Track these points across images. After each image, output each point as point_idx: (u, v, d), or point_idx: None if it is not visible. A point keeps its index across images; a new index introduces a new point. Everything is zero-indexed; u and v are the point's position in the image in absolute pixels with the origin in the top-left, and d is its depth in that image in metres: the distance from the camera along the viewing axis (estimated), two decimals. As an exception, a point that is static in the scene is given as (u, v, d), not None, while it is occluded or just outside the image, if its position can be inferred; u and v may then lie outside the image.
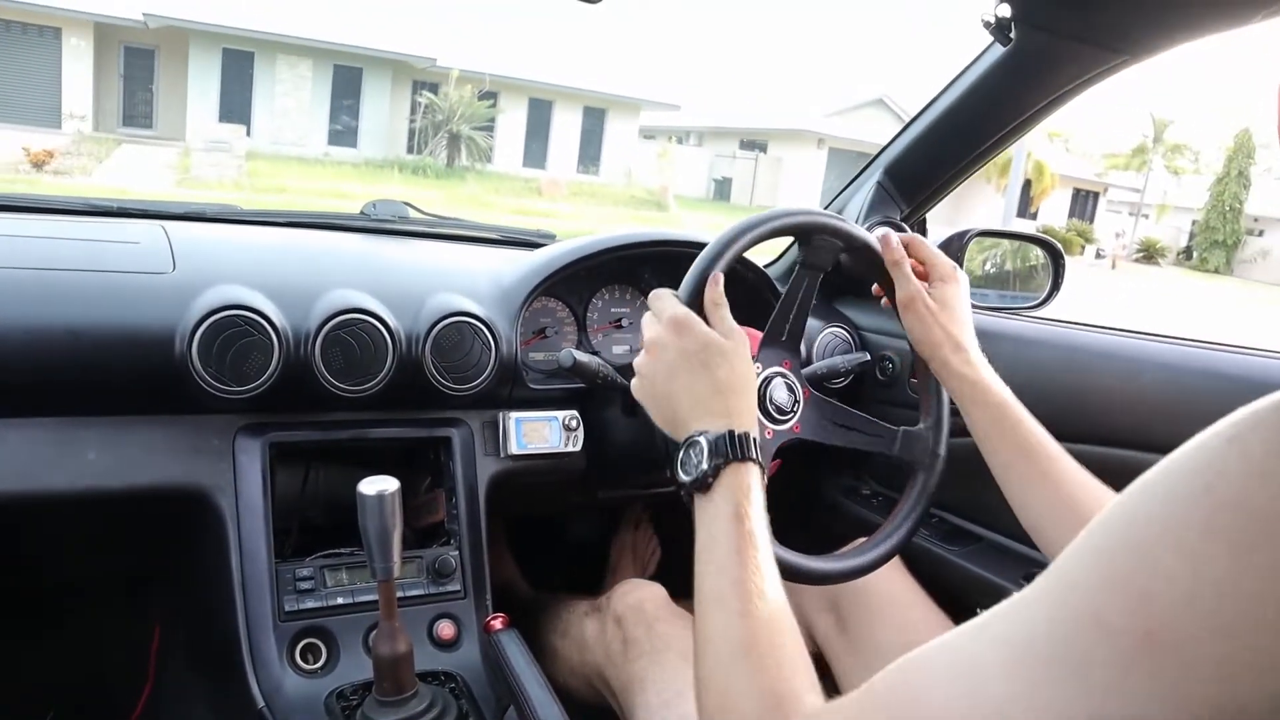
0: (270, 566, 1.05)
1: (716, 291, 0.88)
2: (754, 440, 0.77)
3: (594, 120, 23.43)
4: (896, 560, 1.08)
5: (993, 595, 1.22)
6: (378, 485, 0.84)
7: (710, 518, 0.74)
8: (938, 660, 0.50)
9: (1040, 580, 0.46)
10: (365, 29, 19.38)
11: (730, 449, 0.75)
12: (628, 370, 1.22)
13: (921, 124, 1.42)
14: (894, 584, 1.15)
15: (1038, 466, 0.88)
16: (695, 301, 0.88)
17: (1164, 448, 1.16)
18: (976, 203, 26.79)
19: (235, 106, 18.76)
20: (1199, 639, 0.37)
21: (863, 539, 1.09)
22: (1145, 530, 0.41)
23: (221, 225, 1.34)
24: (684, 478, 0.77)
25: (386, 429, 1.17)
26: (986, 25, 1.15)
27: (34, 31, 17.67)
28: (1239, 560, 0.36)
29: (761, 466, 0.77)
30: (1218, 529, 0.37)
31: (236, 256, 1.18)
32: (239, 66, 18.98)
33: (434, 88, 20.52)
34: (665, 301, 0.87)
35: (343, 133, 20.28)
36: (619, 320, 1.43)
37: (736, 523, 0.72)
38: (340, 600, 1.08)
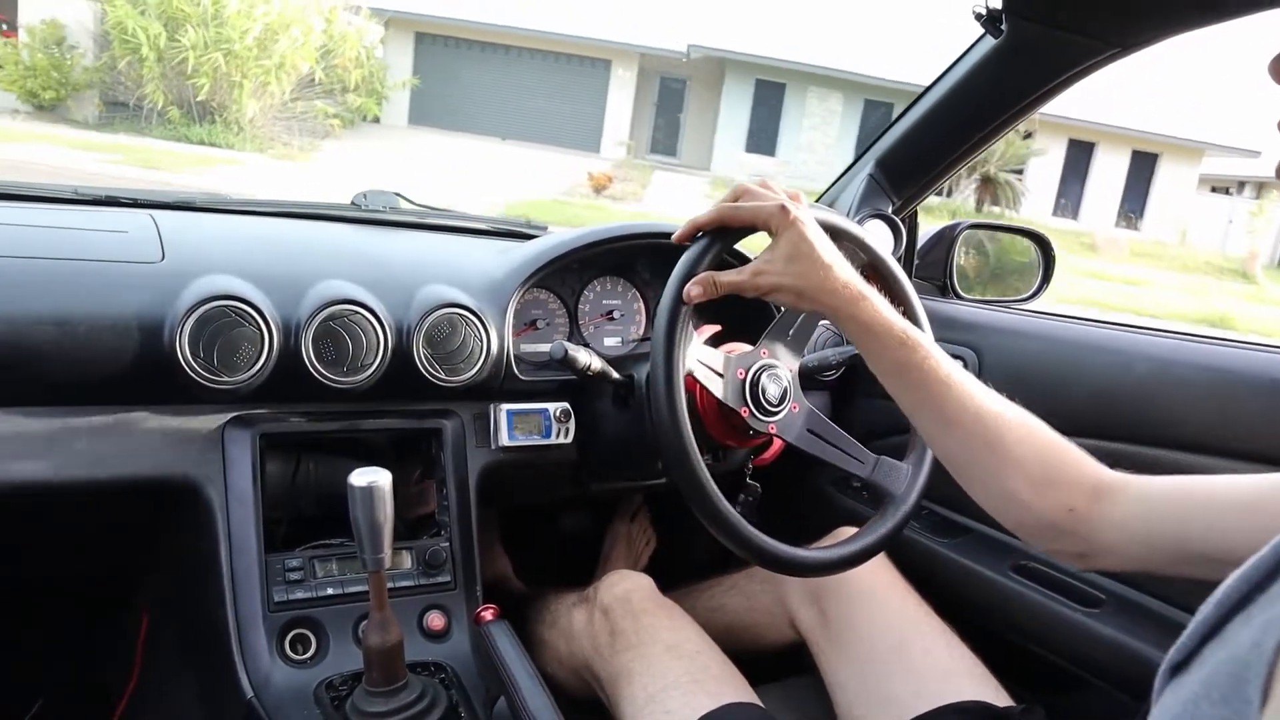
0: (260, 557, 1.05)
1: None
2: None
3: (1143, 165, 19.71)
4: (882, 552, 1.08)
5: (982, 587, 1.24)
6: (369, 477, 0.84)
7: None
8: None
9: None
10: (899, 63, 17.45)
11: None
12: (619, 362, 1.23)
13: (913, 116, 1.42)
14: (877, 575, 1.15)
15: (947, 404, 0.81)
16: (671, 372, 0.93)
17: (1156, 440, 1.18)
18: None
19: (762, 137, 18.92)
20: None
21: (850, 529, 1.09)
22: None
23: (211, 215, 1.33)
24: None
25: (377, 420, 1.17)
26: (978, 17, 1.15)
27: (588, 64, 19.23)
28: None
29: None
30: None
31: (226, 246, 1.17)
32: (770, 97, 19.03)
33: None
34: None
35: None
36: (610, 312, 1.43)
37: None
38: (330, 591, 1.08)
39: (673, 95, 20.26)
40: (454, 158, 14.33)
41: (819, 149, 18.71)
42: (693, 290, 0.92)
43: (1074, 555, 0.79)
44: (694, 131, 20.06)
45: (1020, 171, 17.93)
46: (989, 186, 17.53)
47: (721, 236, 0.93)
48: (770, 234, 0.88)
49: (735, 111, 19.02)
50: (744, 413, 1.02)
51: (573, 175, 14.06)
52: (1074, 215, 19.30)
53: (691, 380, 1.05)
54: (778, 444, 1.08)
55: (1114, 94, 17.05)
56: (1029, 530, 0.80)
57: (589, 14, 18.26)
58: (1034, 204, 18.44)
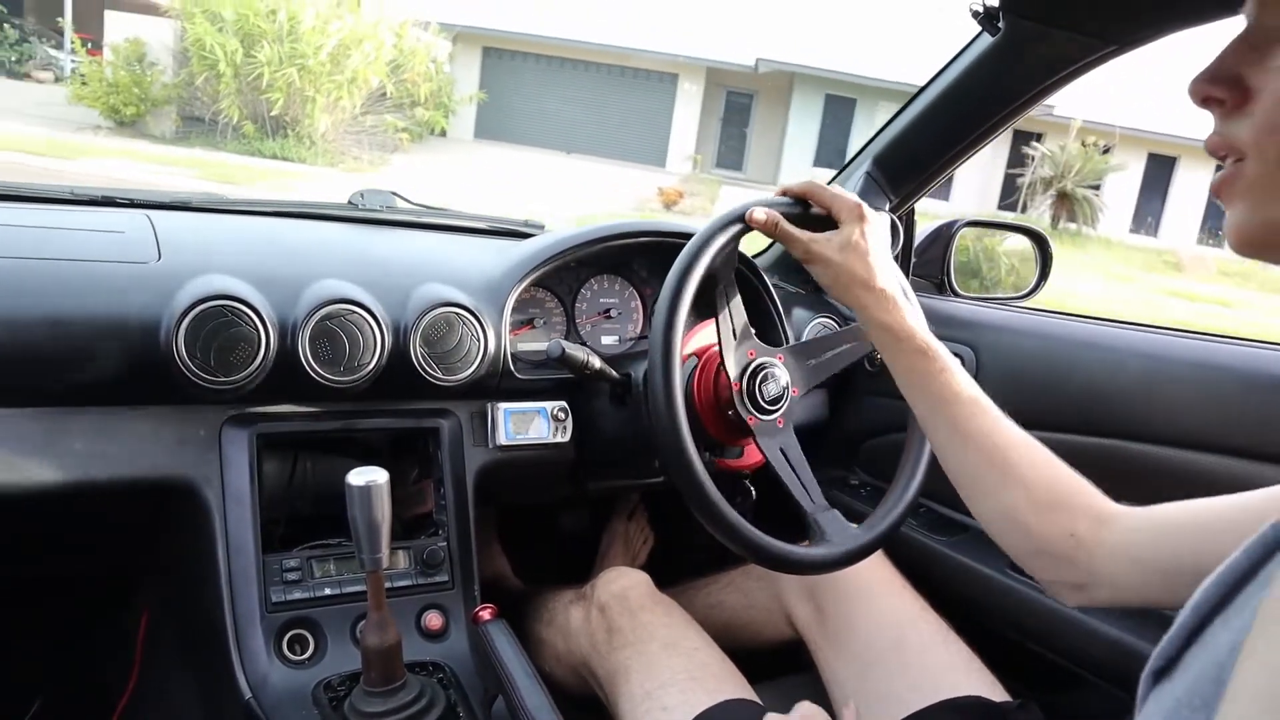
0: (257, 558, 1.05)
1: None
2: None
3: (1224, 180, 19.23)
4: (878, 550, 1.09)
5: (979, 584, 1.24)
6: (366, 476, 0.84)
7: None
8: None
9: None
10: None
11: None
12: (616, 361, 1.23)
13: (910, 114, 1.41)
14: (874, 572, 1.15)
15: (959, 416, 0.84)
16: (669, 368, 0.94)
17: (1150, 437, 1.18)
18: None
19: (831, 152, 18.55)
20: None
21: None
22: None
23: (207, 215, 1.33)
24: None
25: (374, 419, 1.17)
26: (975, 15, 1.15)
27: (655, 78, 19.27)
28: None
29: None
30: None
31: (223, 246, 1.17)
32: (840, 112, 18.77)
33: (1038, 137, 17.53)
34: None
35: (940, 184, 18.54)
36: (608, 310, 1.43)
37: None
38: (328, 591, 1.08)
39: (739, 109, 20.07)
40: (519, 171, 14.44)
41: (892, 160, 18.07)
42: (758, 213, 0.96)
43: (1072, 587, 0.79)
44: (761, 146, 19.91)
45: (1097, 187, 17.18)
46: (1065, 202, 16.85)
47: (800, 204, 0.97)
48: (839, 223, 0.93)
49: (804, 126, 18.76)
50: (735, 387, 1.02)
51: (639, 190, 13.98)
52: (1154, 232, 18.42)
53: (702, 351, 1.09)
54: (758, 456, 1.08)
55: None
56: (1029, 554, 0.81)
57: (656, 28, 18.21)
58: (1112, 220, 17.59)
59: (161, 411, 1.04)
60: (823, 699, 1.13)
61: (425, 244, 1.42)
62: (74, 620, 1.51)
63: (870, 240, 0.91)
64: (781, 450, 1.04)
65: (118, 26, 13.43)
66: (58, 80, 16.54)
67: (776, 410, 1.04)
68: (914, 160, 1.46)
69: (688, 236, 1.00)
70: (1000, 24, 1.15)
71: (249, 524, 1.05)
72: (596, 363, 1.16)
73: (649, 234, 1.33)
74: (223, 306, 0.99)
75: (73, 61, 15.20)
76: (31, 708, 1.44)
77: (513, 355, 1.22)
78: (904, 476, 1.09)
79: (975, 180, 18.28)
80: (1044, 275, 1.62)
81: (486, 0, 18.10)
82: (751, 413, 1.03)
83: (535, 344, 1.34)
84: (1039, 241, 1.64)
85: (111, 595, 1.45)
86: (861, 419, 1.52)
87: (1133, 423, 1.12)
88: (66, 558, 1.38)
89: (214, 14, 12.23)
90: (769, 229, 0.96)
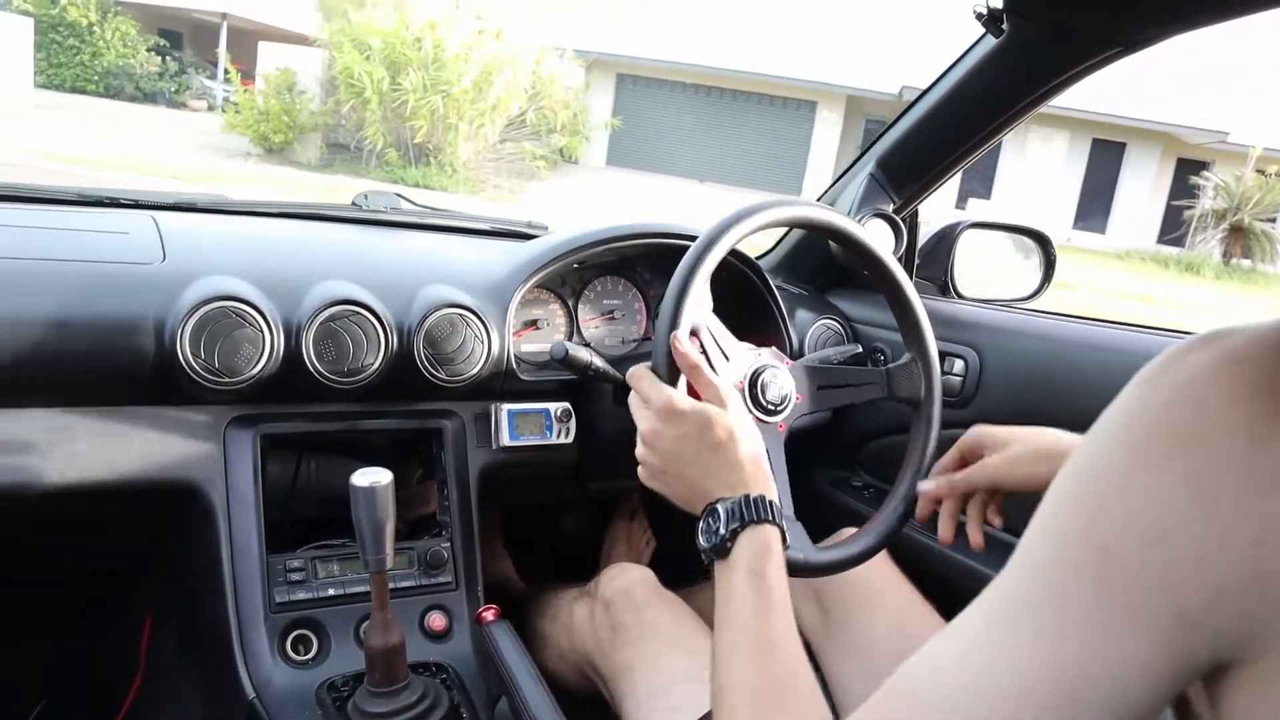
0: (261, 558, 1.05)
1: (685, 355, 0.87)
2: (772, 503, 0.78)
3: None
4: (882, 551, 1.08)
5: (982, 586, 1.23)
6: (370, 477, 0.84)
7: (728, 578, 0.75)
8: (935, 648, 0.52)
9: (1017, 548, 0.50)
10: (1134, 99, 15.56)
11: (746, 512, 0.76)
12: (619, 362, 1.23)
13: (914, 115, 1.42)
14: (879, 573, 1.15)
15: None
16: (672, 369, 0.89)
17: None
18: None
19: (976, 179, 17.61)
20: (1140, 554, 0.43)
21: (850, 530, 1.09)
22: (1090, 467, 0.47)
23: (212, 215, 1.33)
24: (703, 544, 0.78)
25: (378, 420, 1.17)
26: (979, 17, 1.15)
27: (792, 105, 18.96)
28: (1158, 476, 0.43)
29: (781, 528, 0.78)
30: (1140, 453, 0.44)
31: (227, 247, 1.17)
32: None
33: (1207, 166, 16.54)
34: (648, 387, 0.87)
35: (1092, 215, 17.45)
36: (611, 312, 1.43)
37: (754, 579, 0.73)
38: (331, 591, 1.08)
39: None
40: (655, 199, 14.35)
41: (1039, 190, 16.78)
42: (927, 488, 1.02)
43: None
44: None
45: (1273, 220, 15.73)
46: (1239, 237, 15.53)
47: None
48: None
49: (946, 153, 18.06)
50: (739, 385, 1.01)
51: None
52: (1335, 269, 16.53)
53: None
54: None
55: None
56: None
57: (794, 55, 17.98)
58: (1287, 257, 15.94)
59: (165, 412, 1.04)
60: (826, 700, 1.13)
61: (429, 245, 1.42)
62: (77, 622, 1.51)
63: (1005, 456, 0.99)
64: (816, 387, 1.06)
65: (270, 57, 13.69)
66: (210, 109, 17.61)
67: (779, 413, 1.03)
68: (917, 162, 1.46)
69: (691, 238, 1.00)
70: (1004, 25, 1.15)
71: (253, 524, 1.05)
72: (599, 363, 1.16)
73: (651, 235, 1.33)
74: (227, 307, 0.99)
75: (225, 91, 15.88)
76: (35, 710, 1.44)
77: (516, 356, 1.23)
78: (894, 496, 1.07)
79: (1132, 213, 17.31)
80: (1047, 277, 1.62)
81: (622, 27, 18.05)
82: (776, 413, 1.03)
83: (538, 345, 1.35)
84: (1042, 242, 1.64)
85: (115, 596, 1.45)
86: (864, 420, 1.52)
87: None
88: (70, 558, 1.38)
89: (362, 43, 12.32)
90: (944, 492, 1.01)
